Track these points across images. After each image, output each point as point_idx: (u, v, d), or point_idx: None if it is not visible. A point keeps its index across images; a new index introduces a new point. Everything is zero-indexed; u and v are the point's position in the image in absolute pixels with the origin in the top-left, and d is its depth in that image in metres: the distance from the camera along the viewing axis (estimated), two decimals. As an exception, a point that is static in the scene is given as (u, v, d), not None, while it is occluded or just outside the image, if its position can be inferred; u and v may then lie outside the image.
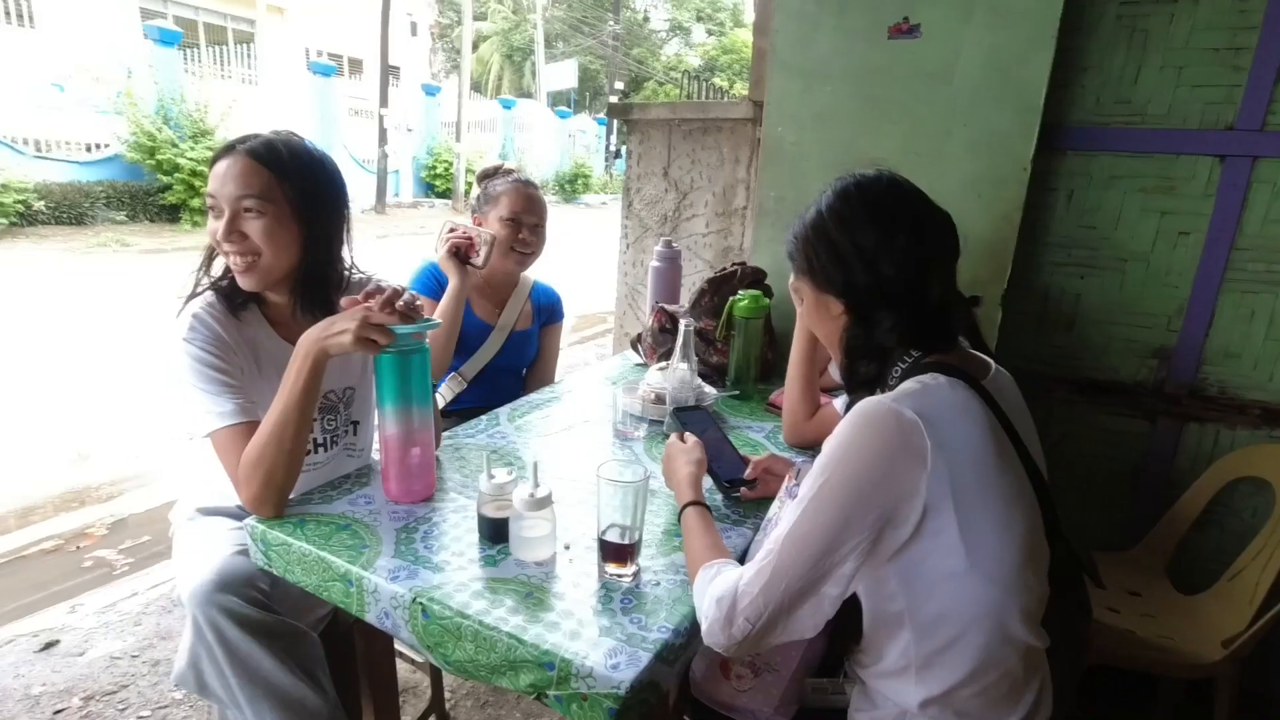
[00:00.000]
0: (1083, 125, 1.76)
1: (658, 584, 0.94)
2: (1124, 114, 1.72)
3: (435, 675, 1.68)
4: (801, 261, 0.94)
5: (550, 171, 18.79)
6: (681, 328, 1.40)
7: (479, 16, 26.46)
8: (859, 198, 0.89)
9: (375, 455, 1.34)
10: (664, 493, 1.16)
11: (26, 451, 3.09)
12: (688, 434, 1.16)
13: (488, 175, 1.88)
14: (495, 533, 0.99)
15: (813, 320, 0.98)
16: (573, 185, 18.92)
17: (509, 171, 1.87)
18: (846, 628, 0.93)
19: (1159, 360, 1.78)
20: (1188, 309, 1.73)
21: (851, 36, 1.81)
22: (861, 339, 0.88)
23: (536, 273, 1.98)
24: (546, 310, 1.98)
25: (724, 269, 1.85)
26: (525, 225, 1.79)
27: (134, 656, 1.89)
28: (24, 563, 2.31)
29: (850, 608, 0.86)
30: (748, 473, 1.19)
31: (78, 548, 2.40)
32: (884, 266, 0.84)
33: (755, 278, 1.83)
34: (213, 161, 1.16)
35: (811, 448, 1.40)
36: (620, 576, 0.94)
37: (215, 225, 1.14)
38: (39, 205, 8.66)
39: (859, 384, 0.90)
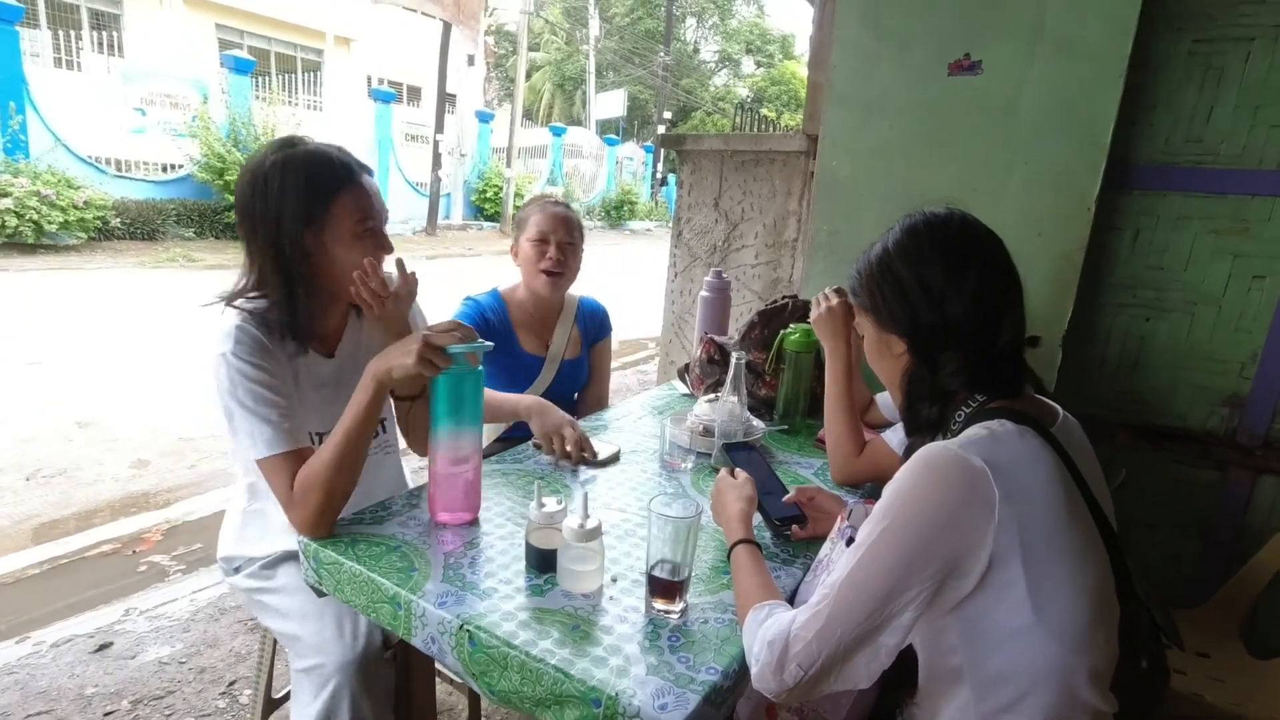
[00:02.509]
0: (1150, 164, 1.71)
1: (705, 622, 0.92)
2: (1195, 153, 1.66)
3: (473, 697, 1.68)
4: (864, 298, 0.93)
5: (597, 197, 19.08)
6: (733, 361, 1.39)
7: (533, 47, 27.24)
8: (929, 235, 0.88)
9: (412, 470, 1.34)
10: (711, 528, 1.14)
11: (91, 457, 3.22)
12: (738, 470, 1.15)
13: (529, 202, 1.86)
14: (543, 562, 0.99)
15: (873, 358, 0.96)
16: (619, 211, 19.16)
17: (543, 196, 1.86)
18: (901, 679, 0.90)
19: (1230, 408, 1.70)
20: (1262, 355, 1.65)
21: (911, 72, 1.80)
22: (924, 381, 0.86)
23: (579, 289, 1.94)
24: (594, 329, 1.95)
25: (775, 301, 1.83)
26: (553, 243, 1.74)
27: (181, 663, 1.94)
28: (84, 564, 2.40)
29: (905, 658, 0.83)
30: (788, 498, 1.17)
31: (134, 552, 2.49)
32: (951, 307, 0.82)
33: (806, 311, 1.81)
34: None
35: (862, 484, 1.37)
36: (668, 613, 0.92)
37: None
38: (116, 221, 9.14)
39: (920, 427, 0.87)
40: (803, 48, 34.80)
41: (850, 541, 0.95)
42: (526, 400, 1.54)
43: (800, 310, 1.81)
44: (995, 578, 0.72)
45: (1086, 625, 0.75)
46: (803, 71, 33.19)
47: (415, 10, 14.07)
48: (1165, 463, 1.78)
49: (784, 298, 1.85)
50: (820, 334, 1.41)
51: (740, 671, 0.85)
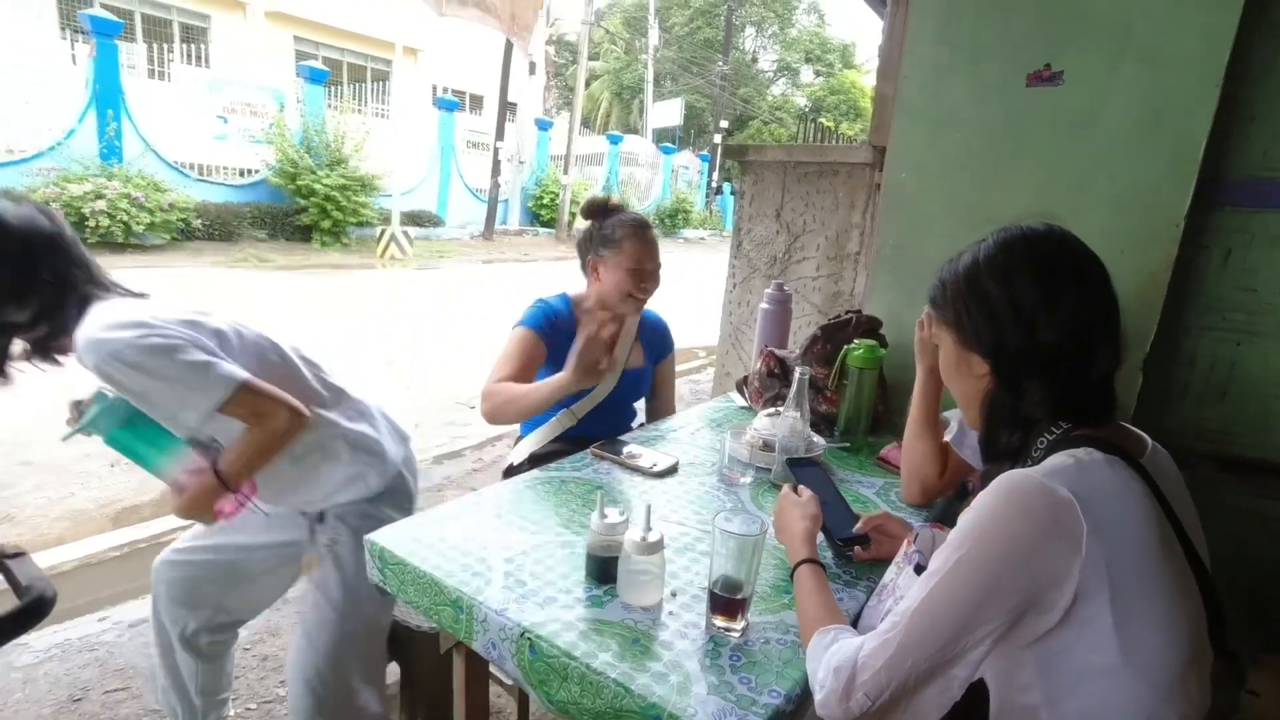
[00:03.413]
0: (1245, 179, 1.62)
1: (767, 642, 0.91)
2: (1298, 169, 1.56)
3: (521, 699, 1.69)
4: (947, 312, 0.89)
5: (651, 205, 19.17)
6: (796, 376, 1.37)
7: (593, 56, 27.61)
8: (1025, 251, 0.83)
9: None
10: (772, 545, 1.12)
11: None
12: (802, 487, 1.13)
13: (597, 211, 1.80)
14: (603, 573, 0.99)
15: (950, 375, 0.92)
16: (673, 220, 19.20)
17: (618, 208, 1.80)
18: (970, 713, 0.86)
19: (1331, 443, 1.58)
20: (1371, 387, 1.54)
21: (986, 84, 1.75)
22: (1007, 407, 0.82)
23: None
24: (658, 345, 1.95)
25: (838, 316, 1.80)
26: (648, 273, 1.75)
27: (245, 649, 2.01)
28: (159, 549, 2.51)
29: (976, 691, 0.80)
30: (858, 527, 1.14)
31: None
32: (1044, 332, 0.79)
33: (870, 326, 1.78)
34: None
35: (933, 503, 1.34)
36: (729, 631, 0.91)
37: None
38: (197, 223, 9.65)
39: (998, 454, 0.84)
40: (864, 57, 34.33)
41: (919, 568, 0.93)
42: (557, 377, 1.55)
43: (864, 325, 1.77)
44: (1079, 613, 0.69)
45: (1178, 670, 0.71)
46: (863, 81, 32.72)
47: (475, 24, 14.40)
48: (1250, 498, 1.67)
49: (847, 312, 1.81)
50: (920, 354, 1.36)
51: (803, 696, 0.83)
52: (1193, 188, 1.53)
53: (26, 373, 1.21)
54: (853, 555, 1.13)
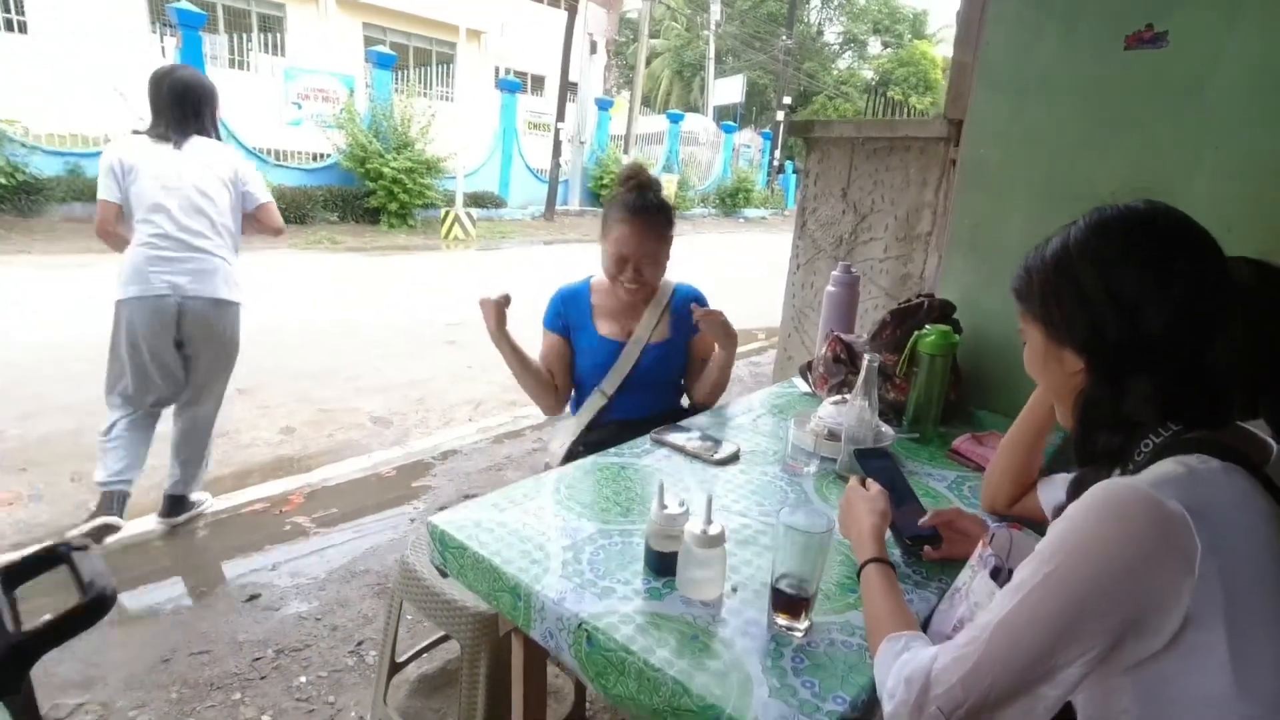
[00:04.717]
0: (1382, 149, 1.45)
1: (831, 644, 0.87)
2: None
3: (578, 684, 1.70)
4: (1034, 303, 0.82)
5: (712, 184, 18.90)
6: (865, 362, 1.31)
7: (653, 34, 27.30)
8: (1123, 234, 0.75)
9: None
10: (838, 540, 1.08)
11: (248, 421, 3.56)
12: (870, 480, 1.08)
13: (626, 181, 1.71)
14: (662, 565, 0.97)
15: (1038, 370, 0.85)
16: (734, 199, 18.89)
17: (632, 179, 1.70)
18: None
19: None
20: None
21: (1078, 48, 1.62)
22: (1105, 407, 0.74)
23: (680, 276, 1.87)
24: (689, 319, 1.70)
25: (909, 300, 1.72)
26: (631, 266, 1.66)
27: (317, 619, 2.10)
28: (239, 519, 2.65)
29: (1062, 713, 0.74)
30: (925, 521, 1.08)
31: (280, 511, 2.72)
32: (1149, 321, 0.71)
33: (943, 311, 1.69)
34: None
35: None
36: (792, 630, 0.88)
37: None
38: (274, 206, 10.07)
39: (1094, 457, 0.76)
40: (936, 25, 32.76)
41: (996, 573, 0.87)
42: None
43: (937, 310, 1.68)
44: (1189, 639, 0.62)
45: None
46: (934, 51, 31.26)
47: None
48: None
49: (918, 296, 1.73)
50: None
51: (869, 703, 0.79)
52: (1318, 158, 1.38)
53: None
54: (922, 554, 1.07)
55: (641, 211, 1.66)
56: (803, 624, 0.88)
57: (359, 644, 2.01)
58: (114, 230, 2.44)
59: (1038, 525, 1.14)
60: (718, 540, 0.91)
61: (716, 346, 1.78)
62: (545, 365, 1.82)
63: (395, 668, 1.68)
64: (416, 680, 1.85)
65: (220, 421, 2.68)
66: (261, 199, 2.58)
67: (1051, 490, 1.14)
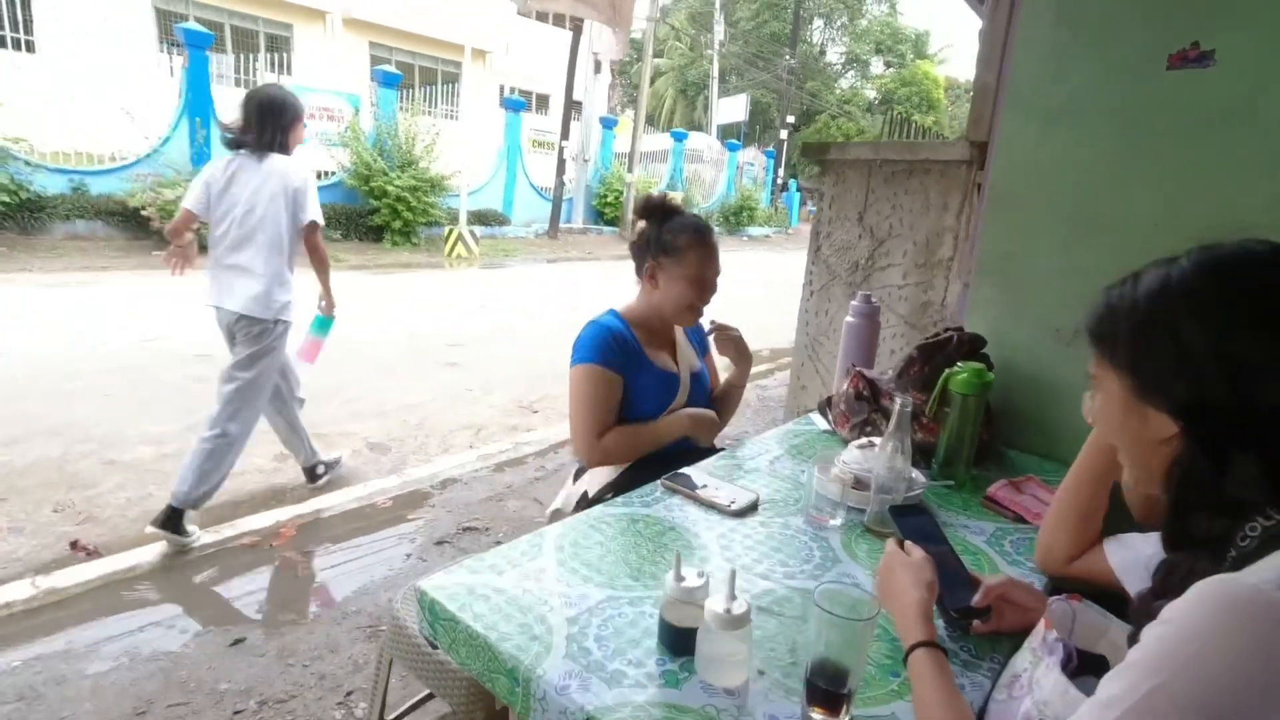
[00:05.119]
0: None
1: (875, 746, 0.76)
2: None
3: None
4: (1119, 352, 0.70)
5: (716, 202, 18.91)
6: (897, 407, 1.20)
7: (657, 53, 27.49)
8: (1239, 284, 0.64)
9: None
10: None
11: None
12: (910, 544, 0.97)
13: (654, 211, 1.68)
14: (679, 644, 0.86)
15: (1113, 427, 0.74)
16: (738, 217, 18.89)
17: (676, 209, 1.69)
18: None
19: None
20: None
21: (1116, 68, 1.53)
22: (1205, 484, 0.63)
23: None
24: (698, 338, 1.85)
25: (936, 335, 1.62)
26: (709, 283, 1.67)
27: (305, 666, 1.98)
28: (227, 554, 2.54)
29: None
30: (977, 600, 0.96)
31: (270, 545, 2.61)
32: (1268, 393, 0.60)
33: (973, 346, 1.58)
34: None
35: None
36: (828, 729, 0.77)
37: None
38: (277, 224, 10.03)
39: (1189, 542, 0.65)
40: (937, 44, 33.00)
41: (1069, 662, 0.76)
42: (676, 418, 1.66)
43: (966, 345, 1.58)
44: None
45: None
46: (935, 71, 31.45)
47: (565, 15, 14.44)
48: None
49: (947, 330, 1.62)
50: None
51: (925, 824, 0.67)
52: (1383, 187, 1.29)
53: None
54: (970, 628, 0.96)
55: (708, 232, 1.68)
56: (842, 720, 0.77)
57: (348, 694, 1.89)
58: (180, 233, 2.62)
59: (1100, 589, 1.03)
60: (743, 621, 0.80)
61: (731, 366, 1.80)
62: (610, 409, 1.61)
63: (385, 725, 1.56)
64: (408, 738, 1.73)
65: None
66: (308, 217, 2.68)
67: (1122, 551, 1.02)
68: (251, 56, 12.63)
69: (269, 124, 2.56)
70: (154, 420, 3.64)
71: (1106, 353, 0.73)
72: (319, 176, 11.47)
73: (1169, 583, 0.62)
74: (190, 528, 2.53)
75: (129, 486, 2.97)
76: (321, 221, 2.75)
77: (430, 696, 1.72)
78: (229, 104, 10.71)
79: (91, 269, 7.51)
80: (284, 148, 2.62)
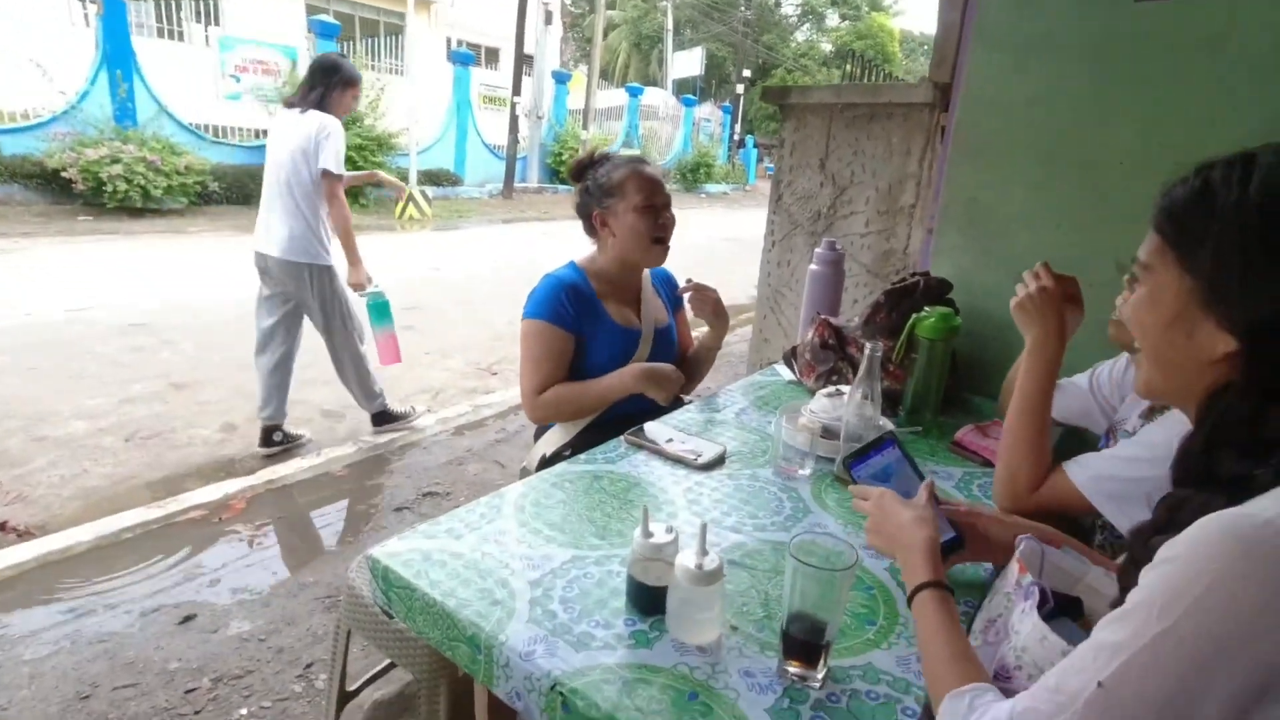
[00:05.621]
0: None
1: (853, 695, 0.73)
2: None
3: None
4: (1206, 252, 0.61)
5: (673, 159, 18.64)
6: (867, 352, 1.17)
7: (610, 5, 26.66)
8: None
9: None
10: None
11: (184, 419, 3.29)
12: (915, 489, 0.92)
13: (584, 167, 1.66)
14: (649, 603, 0.82)
15: (1155, 336, 0.66)
16: (695, 175, 18.67)
17: (605, 157, 1.67)
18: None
19: None
20: None
21: (1085, 2, 1.48)
22: (1246, 420, 0.58)
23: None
24: (669, 294, 1.80)
25: (903, 280, 1.59)
26: (661, 208, 1.60)
27: (261, 640, 1.90)
28: (173, 529, 2.43)
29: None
30: (947, 509, 0.92)
31: (219, 519, 2.50)
32: None
33: (940, 291, 1.56)
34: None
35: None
36: (806, 681, 0.74)
37: None
38: (215, 186, 9.49)
39: (1206, 480, 0.61)
40: (892, -1, 32.77)
41: (1043, 604, 0.74)
42: (626, 373, 1.53)
43: (933, 290, 1.55)
44: None
45: None
46: (891, 24, 31.27)
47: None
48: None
49: (913, 275, 1.59)
50: (1023, 323, 1.12)
51: (907, 773, 0.65)
52: (1345, 120, 1.28)
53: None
54: (947, 562, 0.94)
55: (643, 162, 1.64)
56: (819, 672, 0.74)
57: (308, 666, 1.83)
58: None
59: (1063, 516, 1.03)
60: (715, 576, 0.77)
61: (705, 327, 1.73)
62: (556, 366, 1.56)
63: (346, 696, 1.51)
64: (371, 708, 1.68)
65: (154, 421, 2.46)
66: (320, 165, 2.73)
67: (1084, 471, 1.01)
68: (175, 4, 11.78)
69: (318, 83, 2.76)
70: (88, 394, 3.45)
71: (1184, 247, 0.63)
72: (257, 135, 10.92)
73: (1175, 519, 0.58)
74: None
75: (62, 464, 2.80)
76: (335, 170, 2.75)
77: (393, 665, 1.67)
78: (153, 56, 10.10)
79: (10, 235, 7.01)
80: (325, 107, 2.76)
